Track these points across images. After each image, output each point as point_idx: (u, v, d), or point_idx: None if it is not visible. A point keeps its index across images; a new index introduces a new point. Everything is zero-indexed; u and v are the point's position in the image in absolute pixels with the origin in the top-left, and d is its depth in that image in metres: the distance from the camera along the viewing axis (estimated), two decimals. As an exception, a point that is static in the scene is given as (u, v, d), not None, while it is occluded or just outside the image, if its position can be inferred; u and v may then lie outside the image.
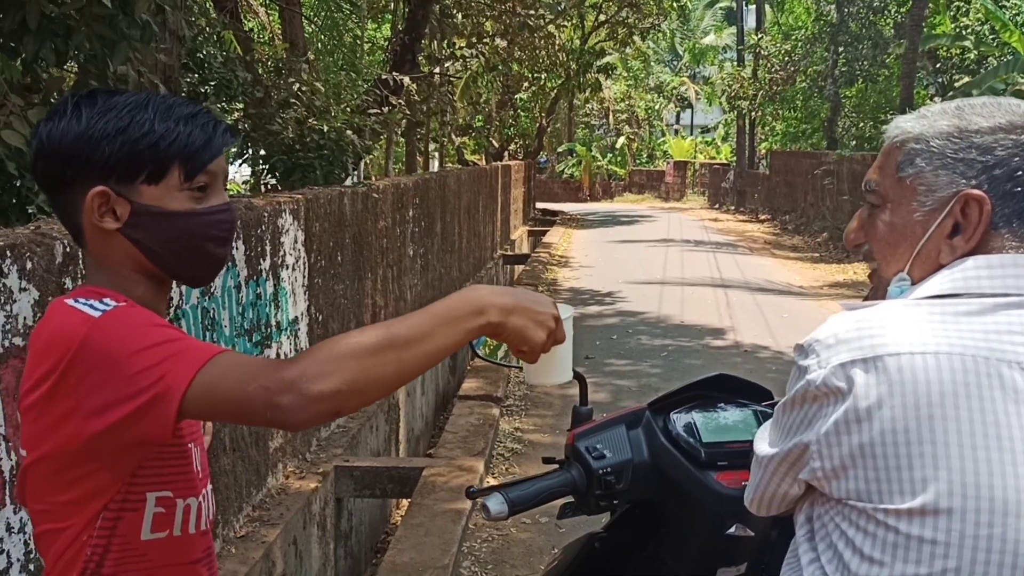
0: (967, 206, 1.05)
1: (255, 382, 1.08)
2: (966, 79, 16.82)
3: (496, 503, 1.49)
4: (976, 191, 1.05)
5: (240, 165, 7.13)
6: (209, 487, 1.35)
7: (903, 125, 1.14)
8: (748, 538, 1.52)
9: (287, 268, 4.54)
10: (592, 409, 1.71)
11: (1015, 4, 18.65)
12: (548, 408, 6.81)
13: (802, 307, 11.11)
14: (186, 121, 1.24)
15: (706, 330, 9.56)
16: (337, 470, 4.82)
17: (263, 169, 6.62)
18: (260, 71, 7.00)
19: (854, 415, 1.01)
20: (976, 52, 17.90)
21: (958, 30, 18.28)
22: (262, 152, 6.45)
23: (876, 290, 1.19)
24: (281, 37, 9.54)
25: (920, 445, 0.98)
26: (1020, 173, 1.04)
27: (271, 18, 15.80)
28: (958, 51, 18.40)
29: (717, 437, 1.58)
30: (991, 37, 17.62)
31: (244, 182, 10.23)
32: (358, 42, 16.05)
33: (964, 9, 18.34)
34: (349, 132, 6.36)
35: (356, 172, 7.98)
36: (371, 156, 10.00)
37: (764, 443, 1.17)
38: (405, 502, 6.08)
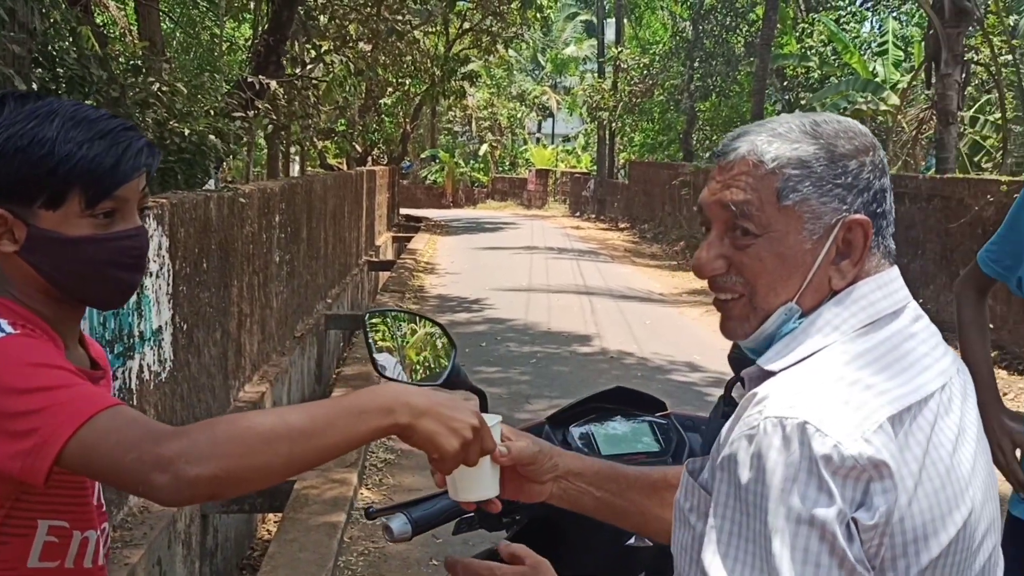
0: (851, 231, 1.07)
1: (132, 453, 1.02)
2: (810, 96, 17.80)
3: (399, 524, 1.46)
4: (859, 216, 1.07)
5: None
6: (107, 522, 1.28)
7: (772, 150, 1.08)
8: (647, 548, 1.55)
9: (151, 276, 4.35)
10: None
11: (854, 28, 19.88)
12: (420, 417, 6.76)
13: (663, 313, 11.47)
14: (94, 142, 1.15)
15: (573, 337, 9.73)
16: (203, 486, 4.63)
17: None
18: (115, 69, 6.66)
19: (902, 484, 0.98)
20: (820, 72, 18.97)
21: (804, 50, 19.34)
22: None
23: (743, 321, 1.12)
24: (137, 34, 9.12)
25: (953, 486, 1.03)
26: (879, 195, 1.09)
27: (124, 13, 15.09)
28: (803, 70, 19.44)
29: (615, 449, 1.60)
30: (833, 58, 18.72)
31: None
32: (216, 41, 15.53)
33: (809, 31, 19.41)
34: (212, 136, 6.13)
35: (217, 176, 7.72)
36: (231, 160, 9.68)
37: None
38: (272, 516, 5.92)
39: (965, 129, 13.82)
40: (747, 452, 0.98)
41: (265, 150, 16.22)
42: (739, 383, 1.15)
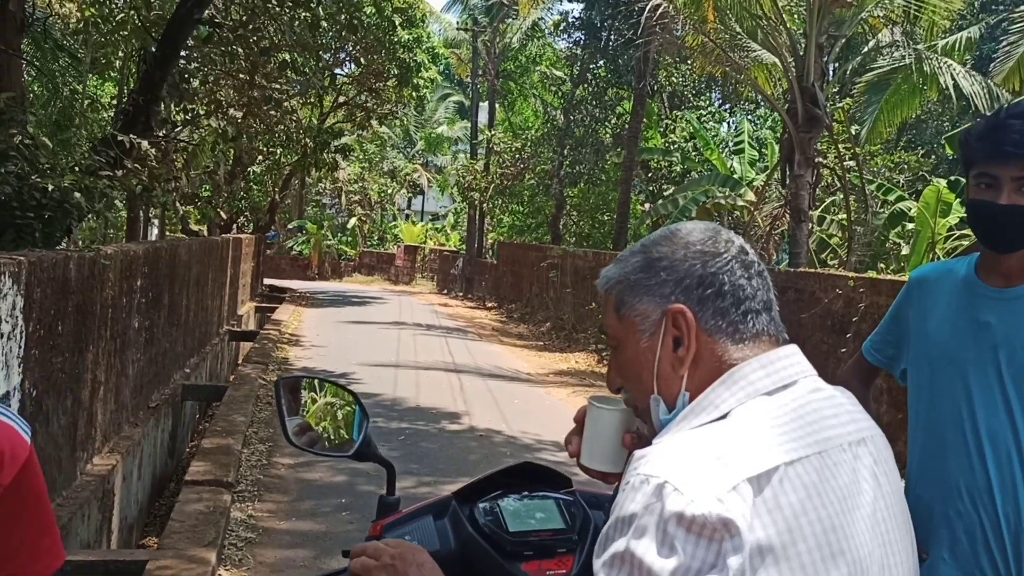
0: (675, 320, 1.17)
1: None
2: (672, 189, 18.64)
3: None
4: (677, 305, 1.17)
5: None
6: None
7: (607, 275, 1.26)
8: None
9: (2, 337, 4.05)
10: (400, 499, 1.65)
11: (714, 127, 21.04)
12: (284, 493, 6.50)
13: (531, 393, 11.53)
14: None
15: (442, 414, 9.64)
16: (44, 567, 4.27)
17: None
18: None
19: (756, 546, 1.02)
20: (682, 166, 19.93)
21: (667, 145, 20.31)
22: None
23: (643, 423, 1.27)
24: (-5, 83, 8.68)
25: (821, 553, 1.05)
26: (706, 279, 1.18)
27: (-21, 61, 14.38)
28: (667, 163, 20.39)
29: (522, 526, 1.58)
30: (694, 154, 19.73)
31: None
32: (77, 97, 14.99)
33: (672, 127, 20.43)
34: (77, 193, 5.86)
35: (72, 236, 7.35)
36: (88, 220, 9.25)
37: None
38: (117, 600, 5.51)
39: (813, 227, 14.73)
40: (616, 504, 1.06)
41: (123, 212, 15.63)
42: None
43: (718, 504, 1.01)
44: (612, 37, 21.78)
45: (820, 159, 13.62)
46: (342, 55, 20.27)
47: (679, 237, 1.22)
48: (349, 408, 1.76)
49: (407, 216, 46.63)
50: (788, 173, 12.37)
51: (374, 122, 22.86)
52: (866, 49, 15.45)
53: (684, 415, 1.16)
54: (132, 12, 10.40)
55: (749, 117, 22.64)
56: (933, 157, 19.25)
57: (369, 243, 40.84)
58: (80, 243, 8.24)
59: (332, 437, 1.74)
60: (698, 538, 1.00)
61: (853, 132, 15.43)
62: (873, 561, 1.10)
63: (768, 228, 15.68)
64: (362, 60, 19.55)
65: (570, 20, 23.68)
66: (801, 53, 12.04)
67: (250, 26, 9.92)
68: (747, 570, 1.00)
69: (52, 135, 7.27)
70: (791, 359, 1.18)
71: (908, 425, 2.24)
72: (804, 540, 1.04)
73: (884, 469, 1.19)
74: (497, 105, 30.83)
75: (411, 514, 1.58)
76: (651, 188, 21.29)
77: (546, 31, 28.31)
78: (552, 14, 27.46)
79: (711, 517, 1.00)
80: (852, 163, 14.80)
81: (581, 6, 22.56)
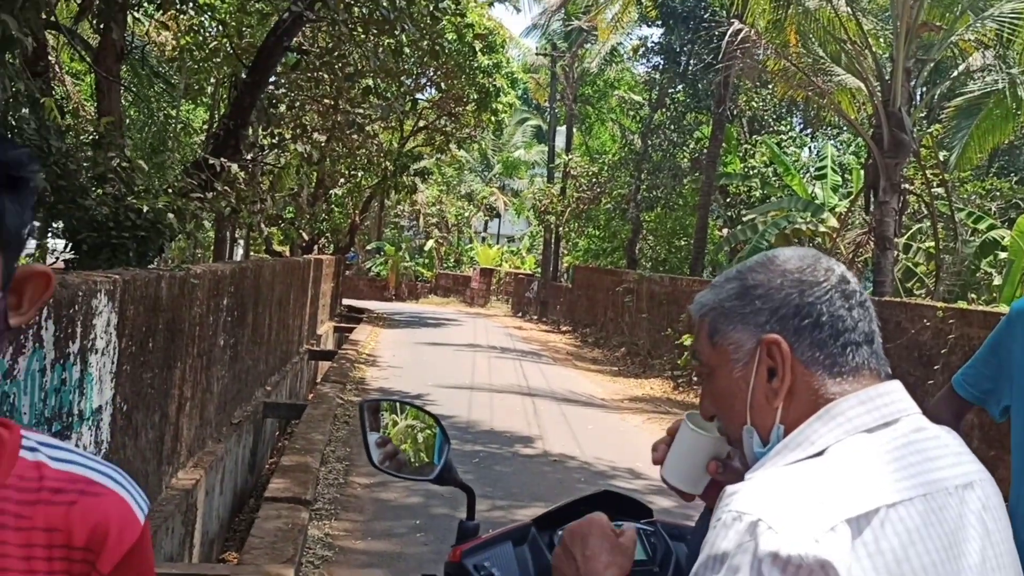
0: (769, 350, 1.13)
1: None
2: (753, 216, 18.37)
3: None
4: (771, 335, 1.13)
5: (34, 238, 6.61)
6: None
7: (701, 300, 1.24)
8: None
9: (96, 352, 4.21)
10: (479, 524, 1.65)
11: (795, 152, 20.71)
12: (360, 512, 6.58)
13: (605, 418, 11.45)
14: None
15: (515, 437, 9.64)
16: (130, 577, 4.40)
17: (66, 244, 6.17)
18: (72, 141, 6.60)
19: None
20: (762, 191, 19.64)
21: (746, 170, 20.05)
22: (61, 225, 6.01)
23: (734, 453, 1.25)
24: (95, 109, 9.08)
25: None
26: (803, 308, 1.14)
27: (79, 88, 15.06)
28: (746, 188, 20.12)
29: None
30: (774, 179, 19.43)
31: (27, 255, 9.48)
32: (171, 122, 15.54)
33: (752, 152, 20.17)
34: (170, 214, 6.06)
35: (163, 255, 7.61)
36: (177, 240, 9.57)
37: None
38: (198, 612, 5.63)
39: (899, 255, 14.35)
40: (707, 542, 1.02)
41: (211, 232, 16.11)
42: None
43: (815, 545, 0.97)
44: (691, 61, 21.67)
45: (906, 185, 13.28)
46: (423, 80, 20.59)
47: (776, 264, 1.18)
48: (430, 431, 1.78)
49: (483, 239, 47.00)
50: (872, 199, 12.08)
51: (453, 146, 23.16)
52: (956, 73, 15.04)
53: (778, 450, 1.12)
54: (225, 40, 10.78)
55: (833, 142, 22.20)
56: (1027, 184, 18.59)
57: (445, 265, 41.24)
58: (171, 262, 8.54)
59: (413, 460, 1.75)
60: None
61: (941, 158, 15.01)
62: None
63: (851, 256, 15.32)
64: (442, 85, 19.84)
65: (649, 45, 23.65)
66: (887, 77, 11.79)
67: (336, 53, 10.16)
68: None
69: (147, 158, 7.55)
70: (893, 395, 1.13)
71: (1013, 466, 2.13)
72: None
73: (994, 515, 1.13)
74: (574, 129, 30.91)
75: (491, 540, 1.59)
76: (729, 213, 21.02)
77: (625, 56, 28.33)
78: (631, 39, 27.48)
79: (807, 558, 0.96)
80: (940, 190, 14.39)
81: (661, 31, 22.51)
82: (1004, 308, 8.89)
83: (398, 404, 1.87)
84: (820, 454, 1.08)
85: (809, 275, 1.16)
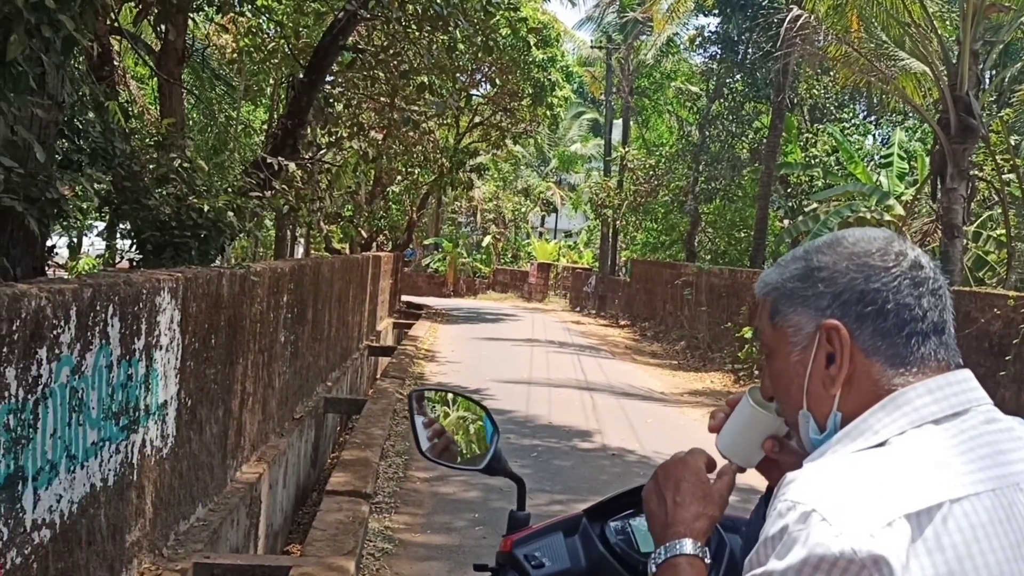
0: (829, 336, 1.10)
1: None
2: (815, 205, 18.04)
3: None
4: (831, 320, 1.10)
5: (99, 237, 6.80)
6: None
7: (766, 279, 1.21)
8: None
9: (161, 349, 4.30)
10: (530, 515, 1.65)
11: (858, 140, 20.27)
12: (419, 506, 6.63)
13: (664, 412, 11.36)
14: None
15: (574, 432, 9.62)
16: (196, 567, 4.49)
17: (131, 244, 6.33)
18: (136, 144, 6.76)
19: None
20: (824, 181, 19.27)
21: (808, 159, 19.68)
22: (127, 226, 6.17)
23: (793, 436, 1.23)
24: (158, 112, 9.30)
25: None
26: (867, 295, 1.09)
27: (143, 91, 15.42)
28: (807, 178, 19.75)
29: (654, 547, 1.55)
30: (837, 168, 19.04)
31: (98, 255, 9.75)
32: (232, 123, 15.84)
33: (814, 141, 19.79)
34: (230, 213, 6.18)
35: (225, 254, 7.76)
36: (239, 239, 9.77)
37: None
38: (262, 604, 5.73)
39: (968, 243, 13.96)
40: (763, 530, 1.01)
41: (272, 231, 16.39)
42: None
43: (870, 540, 0.94)
44: (750, 50, 21.35)
45: (975, 172, 12.91)
46: (478, 76, 20.66)
47: (844, 246, 1.14)
48: (481, 422, 1.77)
49: (540, 234, 46.97)
50: (940, 187, 11.77)
51: (508, 141, 23.16)
52: (1026, 54, 14.57)
53: (838, 438, 1.09)
54: (282, 41, 10.93)
55: (903, 127, 21.65)
56: (1103, 168, 17.91)
57: (503, 261, 41.33)
58: (232, 261, 8.71)
59: (464, 451, 1.76)
60: (843, 572, 0.94)
61: (1012, 143, 14.55)
62: None
63: (918, 244, 14.97)
64: (497, 80, 19.88)
65: (706, 34, 23.36)
66: (954, 61, 11.47)
67: (391, 51, 10.24)
68: None
69: (208, 159, 7.71)
70: (963, 385, 1.09)
71: None
72: None
73: None
74: (631, 122, 30.70)
75: (542, 530, 1.58)
76: (790, 204, 20.67)
77: (681, 46, 28.03)
78: (687, 29, 27.18)
79: (860, 552, 0.94)
80: (1011, 175, 13.96)
81: (717, 20, 22.23)
82: (1079, 296, 8.60)
83: (448, 394, 1.87)
84: (882, 444, 1.05)
85: (878, 259, 1.12)
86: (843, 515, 0.96)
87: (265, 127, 17.61)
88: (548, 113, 22.42)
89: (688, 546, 1.24)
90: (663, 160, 25.58)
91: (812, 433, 1.15)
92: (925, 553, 0.95)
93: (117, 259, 7.15)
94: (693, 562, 1.23)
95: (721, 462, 1.34)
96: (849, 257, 1.12)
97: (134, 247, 6.26)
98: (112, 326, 3.63)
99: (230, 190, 6.62)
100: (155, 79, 10.74)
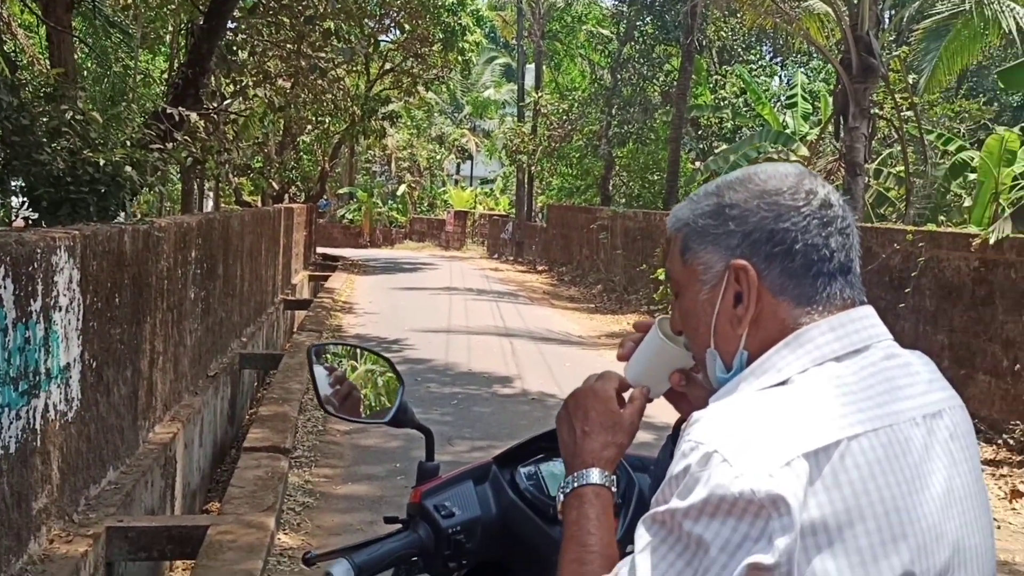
0: (737, 275, 1.10)
1: None
2: (724, 146, 18.32)
3: (342, 571, 1.38)
4: (740, 260, 1.10)
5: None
6: None
7: (677, 213, 1.20)
8: None
9: (60, 310, 4.14)
10: (439, 465, 1.63)
11: (765, 81, 20.59)
12: (340, 458, 6.61)
13: (583, 356, 11.52)
14: None
15: (493, 378, 9.68)
16: (109, 531, 4.40)
17: (22, 202, 6.07)
18: (25, 96, 6.43)
19: (810, 525, 0.96)
20: (733, 122, 19.55)
21: (717, 101, 19.92)
22: (21, 183, 5.90)
23: (700, 372, 1.23)
24: (47, 62, 8.85)
25: (881, 536, 0.99)
26: (777, 234, 1.09)
27: (32, 42, 14.64)
28: (717, 120, 20.01)
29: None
30: (745, 110, 19.32)
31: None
32: (129, 72, 15.19)
33: (722, 83, 20.02)
34: (128, 167, 5.94)
35: (129, 210, 7.48)
36: (143, 193, 9.43)
37: None
38: (182, 564, 5.67)
39: (870, 181, 14.38)
40: (669, 470, 1.02)
41: (179, 185, 15.87)
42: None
43: (768, 480, 0.95)
44: (659, -8, 21.37)
45: (876, 110, 13.26)
46: (386, 21, 20.21)
47: (755, 183, 1.13)
48: (391, 375, 1.75)
49: (456, 182, 46.69)
50: (843, 126, 12.06)
51: (421, 88, 22.80)
52: (923, -5, 14.92)
53: (743, 377, 1.10)
54: (178, -15, 10.47)
55: (803, 69, 22.07)
56: (996, 104, 18.61)
57: (419, 210, 40.99)
58: (137, 216, 8.40)
59: (373, 404, 1.73)
60: (743, 513, 0.95)
61: (911, 81, 14.97)
62: (944, 544, 1.03)
63: (823, 183, 15.33)
64: (406, 26, 19.50)
65: (616, -24, 23.28)
66: (855, 1, 11.68)
67: (294, -5, 9.92)
68: (797, 551, 0.95)
69: (104, 110, 7.37)
70: (864, 322, 1.10)
71: None
72: (863, 521, 0.97)
73: (962, 444, 1.11)
74: (544, 66, 30.53)
75: (451, 479, 1.57)
76: (701, 146, 20.96)
77: (591, -11, 27.89)
78: (597, -29, 27.02)
79: (759, 493, 0.95)
80: (910, 113, 14.38)
81: (627, -38, 22.15)
82: (974, 229, 8.96)
83: (355, 349, 1.84)
84: (785, 383, 1.06)
85: (788, 198, 1.11)
86: (743, 456, 0.97)
87: (165, 77, 16.95)
88: (460, 58, 22.13)
89: (595, 476, 1.25)
90: (576, 105, 25.57)
91: (719, 371, 1.15)
92: (823, 490, 0.97)
93: (12, 218, 6.84)
94: (599, 492, 1.23)
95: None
96: (760, 195, 1.11)
97: (27, 205, 5.99)
98: (4, 288, 3.47)
99: (128, 143, 6.36)
100: (44, 27, 10.20)
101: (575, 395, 1.34)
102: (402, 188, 39.19)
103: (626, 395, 1.33)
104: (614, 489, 1.26)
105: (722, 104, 19.95)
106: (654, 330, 1.33)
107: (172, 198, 16.96)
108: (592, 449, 1.27)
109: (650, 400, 1.34)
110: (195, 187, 14.43)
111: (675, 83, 20.10)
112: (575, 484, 1.25)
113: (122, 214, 6.89)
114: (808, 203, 1.11)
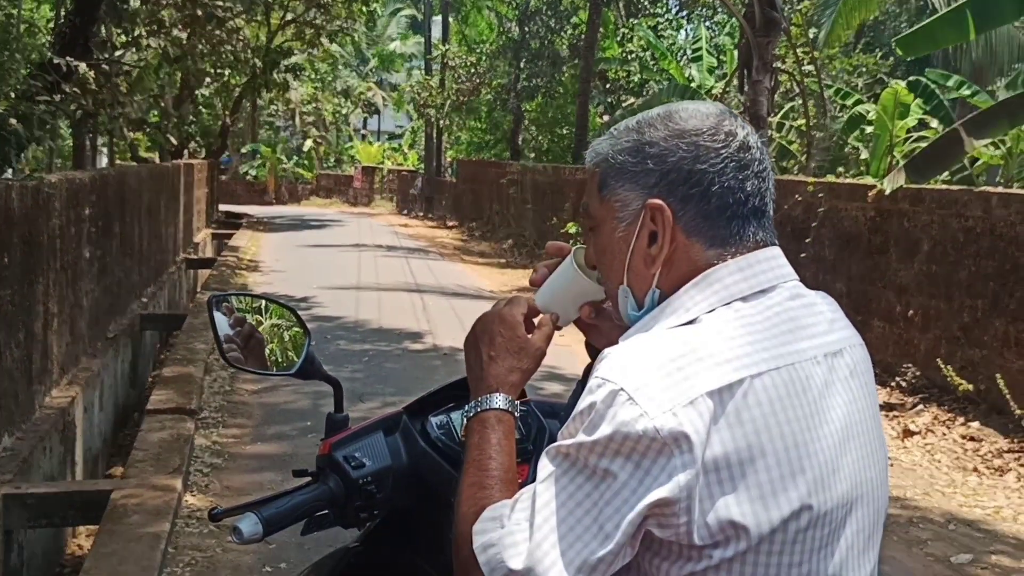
0: (653, 215, 1.10)
1: None
2: (632, 100, 18.44)
3: (249, 524, 1.35)
4: (656, 200, 1.10)
5: None
6: None
7: (597, 148, 1.18)
8: None
9: (-58, 271, 3.92)
10: (348, 416, 1.61)
11: (671, 35, 20.75)
12: (248, 417, 6.49)
13: (494, 310, 11.54)
14: None
15: (404, 334, 9.63)
16: (6, 498, 4.24)
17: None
18: None
19: (712, 462, 0.98)
20: (640, 76, 19.67)
21: (625, 55, 20.00)
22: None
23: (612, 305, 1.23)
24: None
25: (780, 471, 1.01)
26: (694, 175, 1.09)
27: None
28: (624, 74, 20.11)
29: None
30: (652, 63, 19.46)
31: None
32: (12, 22, 14.36)
33: (629, 36, 20.09)
34: (13, 120, 5.64)
35: (16, 166, 7.11)
36: (32, 148, 8.97)
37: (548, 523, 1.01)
38: (85, 529, 5.51)
39: (772, 134, 14.69)
40: (577, 406, 1.03)
41: (69, 140, 15.15)
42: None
43: (671, 418, 0.97)
44: (566, -56, 21.22)
45: (778, 64, 13.50)
46: (287, -31, 19.56)
47: (675, 122, 1.12)
48: (297, 330, 1.70)
49: (363, 136, 45.93)
50: (746, 80, 12.24)
51: (324, 40, 22.19)
52: (823, -51, 15.20)
53: (653, 315, 1.11)
54: (61, -73, 9.90)
55: (707, 24, 22.30)
56: (891, 59, 19.17)
57: (326, 165, 40.21)
58: (25, 173, 8.00)
59: (280, 360, 1.69)
60: (646, 450, 0.97)
61: (811, 36, 15.28)
62: (841, 477, 1.05)
63: (727, 136, 15.60)
64: (309, -26, 18.90)
65: (522, -73, 22.99)
66: (757, -45, 11.80)
67: (188, -61, 9.50)
68: (700, 487, 0.97)
69: (-16, 61, 6.96)
70: (771, 262, 1.11)
71: None
72: (764, 457, 0.99)
73: (861, 381, 1.13)
74: (450, 18, 30.09)
75: (361, 430, 1.55)
76: (609, 100, 21.05)
77: (498, -61, 27.50)
78: (503, -79, 26.62)
79: (662, 431, 0.97)
80: (810, 67, 14.69)
81: (533, -88, 21.89)
82: (870, 180, 9.25)
83: (261, 302, 1.78)
84: (693, 322, 1.07)
85: (708, 139, 1.11)
86: (647, 395, 0.98)
87: (51, 26, 16.08)
88: (364, 9, 21.60)
89: (498, 400, 1.24)
90: (484, 58, 25.32)
91: (630, 308, 1.16)
92: (726, 427, 0.99)
93: None
94: (502, 417, 1.23)
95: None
96: (680, 135, 1.11)
97: (-97, 161, 5.65)
98: None
99: (13, 95, 6.03)
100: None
101: (482, 319, 1.33)
102: (308, 143, 38.34)
103: (535, 320, 1.32)
104: (517, 414, 1.25)
105: (629, 58, 20.02)
106: (569, 259, 1.31)
107: (63, 154, 16.21)
108: (497, 374, 1.26)
109: (558, 328, 1.33)
110: (87, 142, 13.80)
111: (583, 36, 20.07)
112: (478, 408, 1.24)
113: (9, 170, 6.55)
114: (727, 145, 1.11)
